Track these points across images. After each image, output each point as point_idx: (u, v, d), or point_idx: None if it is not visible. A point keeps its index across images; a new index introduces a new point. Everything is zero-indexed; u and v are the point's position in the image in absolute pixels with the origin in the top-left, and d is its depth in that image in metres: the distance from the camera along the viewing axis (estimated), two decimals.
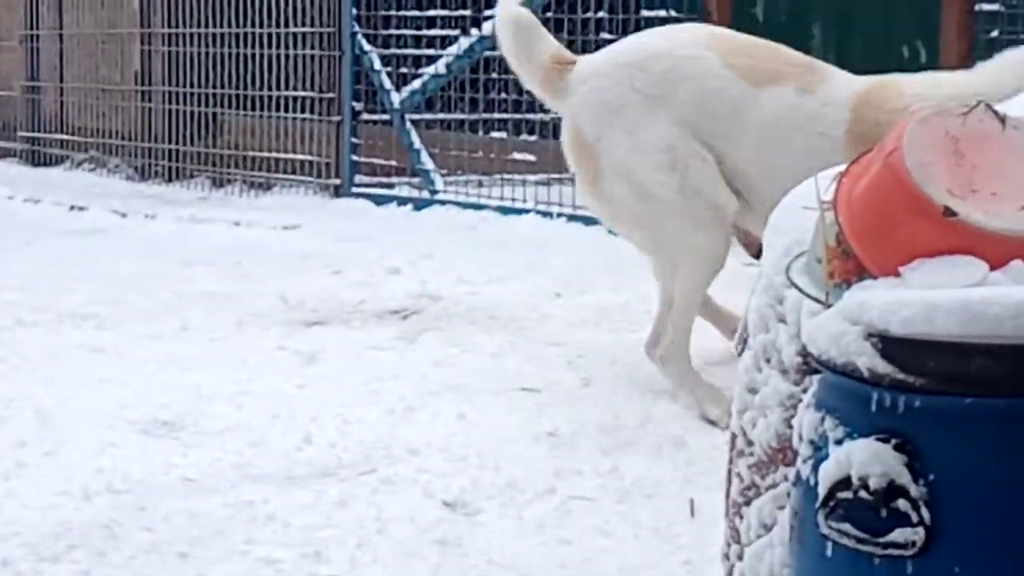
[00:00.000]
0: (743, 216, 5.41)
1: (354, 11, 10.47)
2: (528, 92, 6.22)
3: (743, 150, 5.30)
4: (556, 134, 8.07)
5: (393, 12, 10.51)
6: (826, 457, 2.22)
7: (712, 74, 5.32)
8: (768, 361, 2.80)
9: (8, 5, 13.96)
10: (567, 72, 5.52)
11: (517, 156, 9.84)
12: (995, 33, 9.85)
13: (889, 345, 2.15)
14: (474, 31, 10.10)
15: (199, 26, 11.60)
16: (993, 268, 2.23)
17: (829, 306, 2.33)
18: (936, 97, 4.92)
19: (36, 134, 13.30)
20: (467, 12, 10.21)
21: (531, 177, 9.61)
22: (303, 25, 10.75)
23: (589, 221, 8.60)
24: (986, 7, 9.45)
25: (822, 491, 2.20)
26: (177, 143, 11.73)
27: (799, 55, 5.65)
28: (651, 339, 5.45)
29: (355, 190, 10.34)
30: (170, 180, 11.66)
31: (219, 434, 4.80)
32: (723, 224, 5.33)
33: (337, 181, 10.44)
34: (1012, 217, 2.28)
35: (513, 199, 9.31)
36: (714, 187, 5.31)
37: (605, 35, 9.69)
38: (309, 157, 10.60)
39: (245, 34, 11.17)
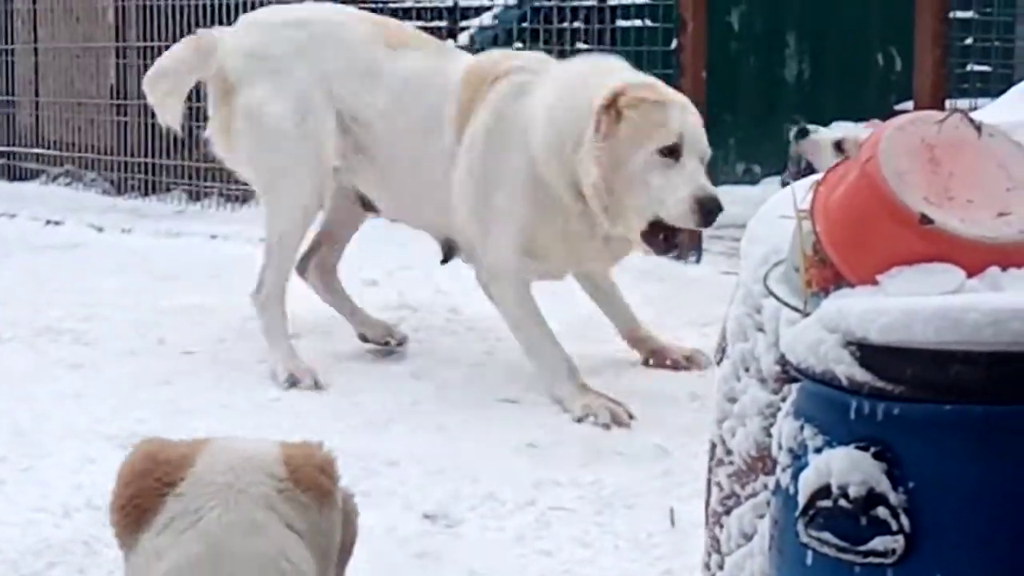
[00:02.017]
0: (362, 171, 5.96)
1: None
2: None
3: (376, 103, 5.86)
4: None
5: None
6: (805, 466, 2.22)
7: (356, 38, 5.98)
8: (747, 370, 2.80)
9: None
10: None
11: None
12: (969, 40, 9.90)
13: (867, 353, 2.15)
14: (450, 42, 10.10)
15: (175, 39, 11.56)
16: (970, 275, 2.23)
17: (807, 315, 2.34)
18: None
19: (11, 148, 13.26)
20: (443, 23, 10.21)
21: None
22: None
23: None
24: (960, 14, 9.50)
25: (802, 500, 2.20)
26: (153, 157, 11.69)
27: (425, 35, 6.38)
28: (256, 286, 5.97)
29: None
30: (146, 194, 11.62)
31: None
32: (318, 176, 5.88)
33: None
34: (988, 224, 2.28)
35: None
36: (326, 141, 5.86)
37: (581, 45, 9.71)
38: None
39: None
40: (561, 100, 5.44)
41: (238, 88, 6.04)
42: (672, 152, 5.24)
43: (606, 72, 5.52)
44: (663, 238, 5.30)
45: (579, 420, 5.14)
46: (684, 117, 5.34)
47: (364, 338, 6.15)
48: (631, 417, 5.12)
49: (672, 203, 5.21)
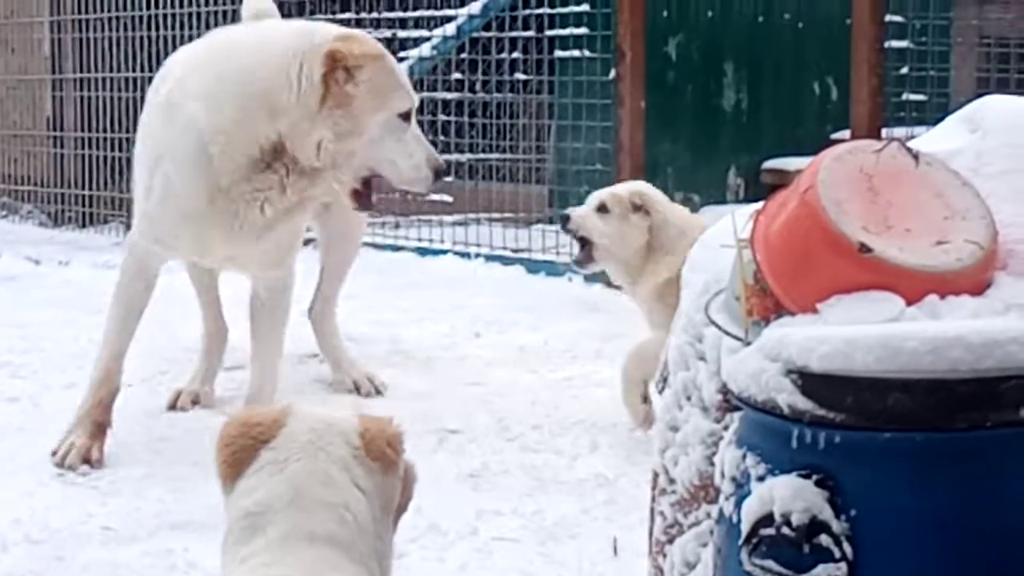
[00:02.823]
0: None
1: None
2: (444, 133, 6.30)
3: None
4: (472, 175, 8.11)
5: None
6: (748, 494, 2.22)
7: None
8: (689, 399, 2.81)
9: None
10: None
11: (434, 197, 9.83)
12: (905, 69, 9.98)
13: (808, 381, 2.16)
14: None
15: (111, 71, 11.53)
16: (909, 303, 2.25)
17: (748, 343, 2.35)
18: None
19: None
20: None
21: (448, 218, 9.62)
22: None
23: (507, 261, 8.62)
24: (895, 44, 9.58)
25: (745, 528, 2.21)
26: (90, 188, 11.64)
27: None
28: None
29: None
30: (84, 226, 11.56)
31: (138, 481, 4.76)
32: None
33: None
34: (926, 253, 2.30)
35: (431, 240, 9.31)
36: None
37: (520, 75, 9.74)
38: None
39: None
40: (238, 73, 5.02)
41: None
42: (407, 116, 5.07)
43: (274, 35, 5.15)
44: (368, 194, 5.11)
45: (54, 453, 5.00)
46: (404, 77, 5.19)
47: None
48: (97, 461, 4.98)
49: (407, 168, 5.06)
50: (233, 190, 5.02)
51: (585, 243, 5.43)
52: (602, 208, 5.43)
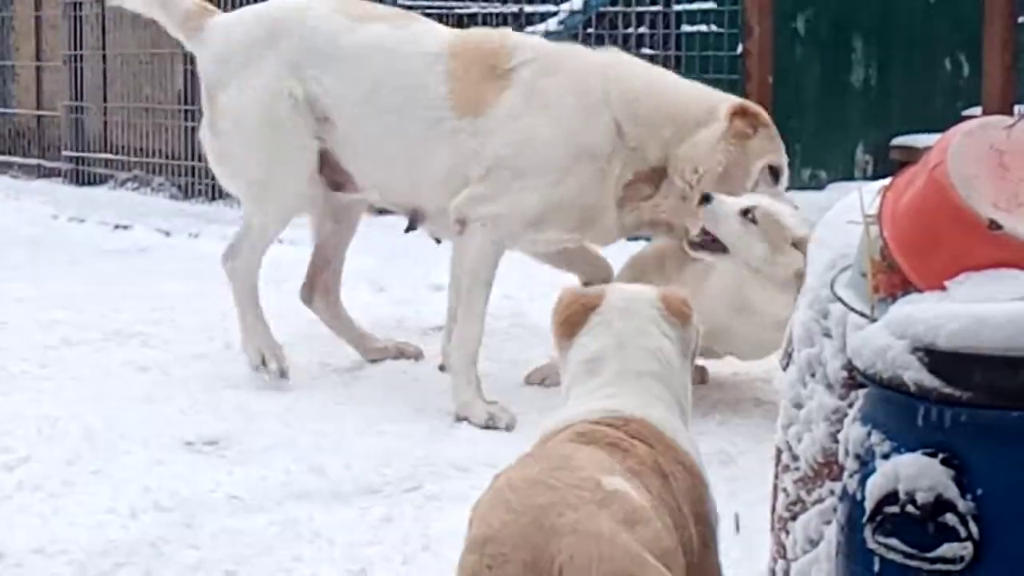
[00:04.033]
0: (337, 147, 5.93)
1: None
2: None
3: (342, 78, 5.90)
4: None
5: None
6: (873, 472, 2.21)
7: (315, 19, 6.01)
8: (813, 375, 2.79)
9: (52, 25, 14.05)
10: (207, 18, 6.23)
11: None
12: None
13: (935, 359, 2.14)
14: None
15: None
16: None
17: (874, 320, 2.33)
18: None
19: (80, 154, 13.37)
20: (508, 29, 10.21)
21: None
22: None
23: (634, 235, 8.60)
24: None
25: (869, 506, 2.19)
26: None
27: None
28: (230, 252, 6.16)
29: None
30: (213, 199, 11.69)
31: (265, 452, 4.82)
32: (301, 171, 5.94)
33: None
34: None
35: None
36: (302, 131, 5.91)
37: (646, 50, 9.71)
38: None
39: None
40: (662, 89, 5.81)
41: (214, 93, 6.12)
42: (777, 175, 5.72)
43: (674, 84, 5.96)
44: (713, 238, 5.42)
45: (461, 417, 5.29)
46: (783, 147, 5.81)
47: (375, 361, 6.13)
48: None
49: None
50: (623, 195, 5.73)
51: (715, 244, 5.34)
52: (745, 214, 5.29)
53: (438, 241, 6.29)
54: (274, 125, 5.92)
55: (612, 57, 5.98)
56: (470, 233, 5.64)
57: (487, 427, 5.21)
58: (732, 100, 5.84)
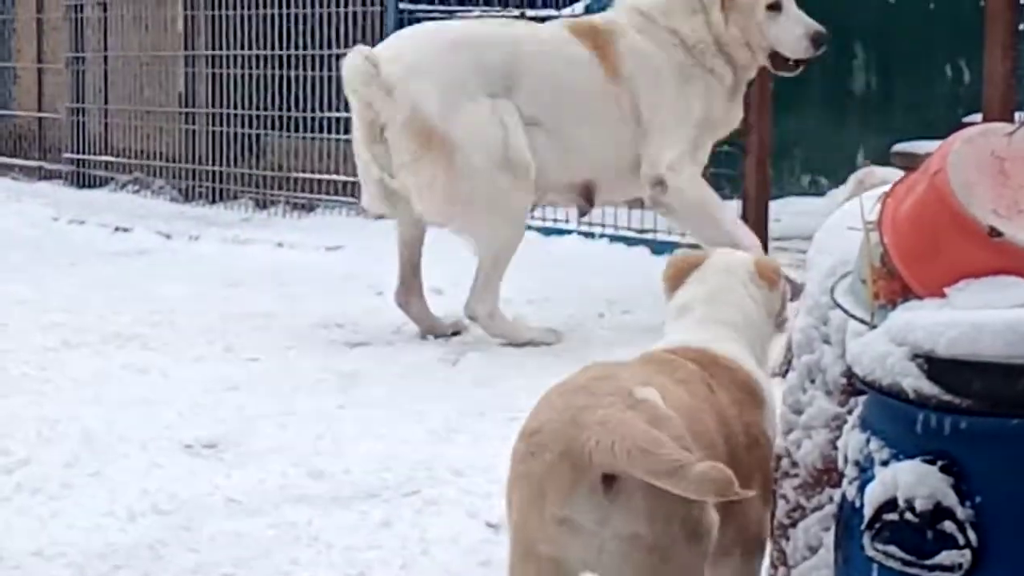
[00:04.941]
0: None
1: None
2: None
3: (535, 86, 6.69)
4: None
5: None
6: (872, 478, 2.21)
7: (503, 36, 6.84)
8: (813, 381, 2.79)
9: (54, 28, 14.06)
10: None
11: None
12: None
13: (935, 366, 2.14)
14: None
15: (242, 48, 11.65)
16: None
17: (874, 327, 2.33)
18: None
19: (81, 156, 13.39)
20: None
21: None
22: (345, 46, 10.77)
23: (631, 242, 8.61)
24: None
25: (868, 513, 2.19)
26: (220, 164, 11.78)
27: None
28: (473, 305, 6.46)
29: None
30: (214, 201, 11.71)
31: (263, 455, 4.81)
32: (528, 191, 6.61)
33: None
34: None
35: (555, 219, 9.31)
36: (524, 151, 6.57)
37: None
38: (352, 178, 10.58)
39: (288, 56, 11.21)
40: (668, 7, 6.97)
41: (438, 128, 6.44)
42: (775, 7, 6.91)
43: None
44: (789, 64, 7.00)
45: None
46: None
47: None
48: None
49: (792, 41, 6.91)
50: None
51: None
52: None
53: (582, 214, 7.36)
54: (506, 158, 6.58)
55: None
56: (675, 188, 6.78)
57: None
58: None
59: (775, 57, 7.02)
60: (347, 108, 6.70)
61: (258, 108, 11.57)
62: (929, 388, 2.15)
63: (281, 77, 11.34)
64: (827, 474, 2.72)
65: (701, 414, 2.94)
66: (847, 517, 2.32)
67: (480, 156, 6.39)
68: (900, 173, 5.72)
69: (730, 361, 3.18)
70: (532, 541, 2.80)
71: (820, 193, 10.29)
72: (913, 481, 2.14)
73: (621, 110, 6.83)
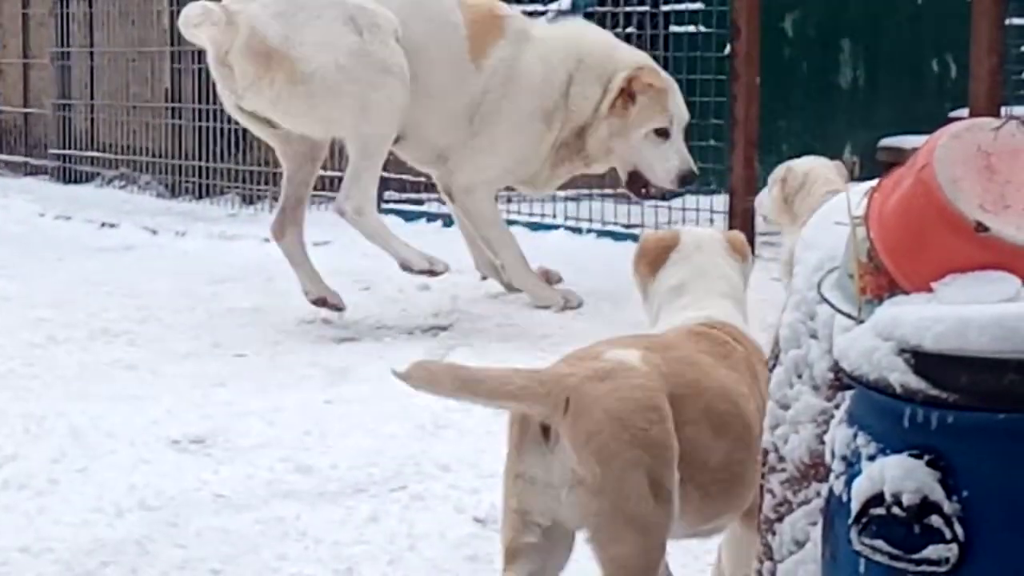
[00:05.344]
0: None
1: None
2: None
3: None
4: None
5: None
6: (859, 473, 2.21)
7: None
8: (800, 377, 2.79)
9: (39, 23, 14.03)
10: None
11: None
12: None
13: (922, 361, 2.15)
14: None
15: None
16: None
17: (861, 322, 2.33)
18: None
19: (67, 151, 13.36)
20: None
21: (560, 193, 9.62)
22: None
23: (619, 236, 8.62)
24: (1016, 21, 9.45)
25: (855, 507, 2.20)
26: (207, 160, 11.77)
27: None
28: (345, 195, 6.69)
29: (385, 206, 10.34)
30: (200, 197, 11.69)
31: (251, 450, 4.82)
32: (403, 84, 6.67)
33: None
34: None
35: (542, 214, 9.32)
36: (395, 49, 6.65)
37: None
38: (338, 173, 10.61)
39: None
40: (579, 59, 7.06)
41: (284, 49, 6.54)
42: (664, 133, 6.94)
43: (610, 44, 7.25)
44: (644, 190, 7.12)
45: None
46: (676, 101, 7.03)
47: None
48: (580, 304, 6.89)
49: (661, 171, 6.94)
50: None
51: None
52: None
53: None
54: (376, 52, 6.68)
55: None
56: (460, 204, 7.24)
57: (565, 309, 6.86)
58: (629, 67, 7.00)
59: (634, 175, 7.01)
60: None
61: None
62: (916, 383, 2.15)
63: None
64: (814, 469, 2.72)
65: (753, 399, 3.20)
66: (834, 512, 2.33)
67: (326, 57, 6.50)
68: (824, 163, 5.82)
69: (751, 339, 3.39)
70: (507, 499, 3.03)
71: None
72: (900, 476, 2.14)
73: (461, 94, 6.93)
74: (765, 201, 5.82)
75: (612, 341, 3.23)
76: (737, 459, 3.15)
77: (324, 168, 10.60)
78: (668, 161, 6.90)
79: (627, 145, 6.94)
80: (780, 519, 2.82)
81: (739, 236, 3.65)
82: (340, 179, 6.90)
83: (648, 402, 2.97)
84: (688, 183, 7.06)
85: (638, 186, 7.06)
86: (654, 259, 3.54)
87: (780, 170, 5.74)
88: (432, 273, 6.58)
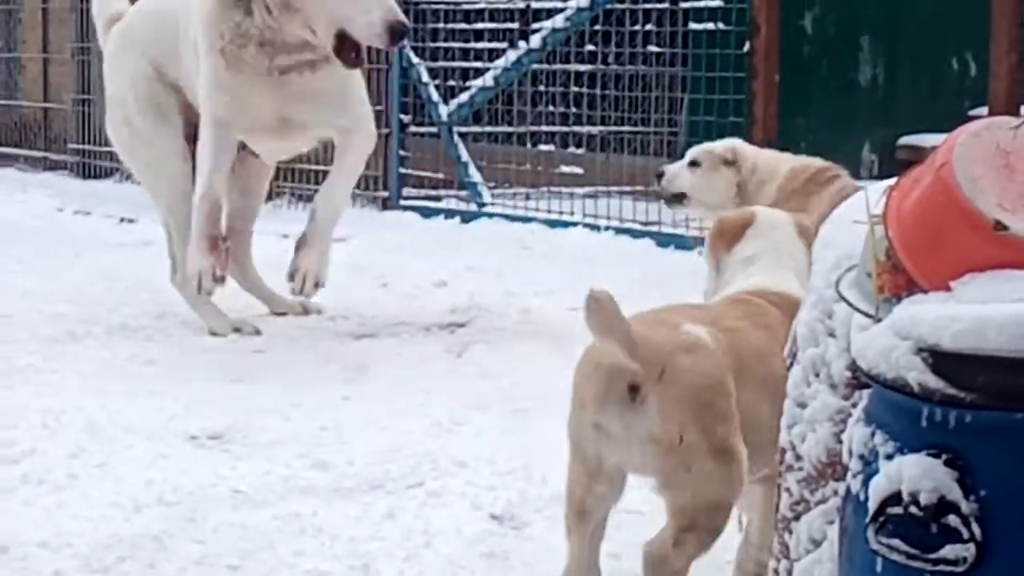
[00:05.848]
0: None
1: None
2: (577, 105, 6.45)
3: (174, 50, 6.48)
4: (603, 147, 8.11)
5: (441, 25, 10.54)
6: (876, 472, 2.21)
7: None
8: (817, 375, 2.79)
9: (59, 18, 14.05)
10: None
11: (564, 169, 9.85)
12: None
13: (939, 360, 2.14)
14: (522, 44, 10.11)
15: None
16: None
17: (879, 320, 2.33)
18: None
19: (86, 147, 13.38)
20: (515, 25, 10.23)
21: (578, 190, 9.63)
22: None
23: (636, 234, 8.62)
24: None
25: (872, 506, 2.19)
26: None
27: None
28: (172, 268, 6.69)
29: (403, 203, 10.37)
30: None
31: (268, 446, 4.82)
32: (180, 151, 6.59)
33: (385, 194, 10.47)
34: None
35: (561, 212, 9.32)
36: (171, 116, 6.58)
37: (653, 48, 9.70)
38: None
39: None
40: None
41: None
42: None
43: None
44: (353, 53, 5.87)
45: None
46: None
47: (280, 314, 6.80)
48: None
49: (362, 23, 5.76)
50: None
51: (680, 198, 6.30)
52: (694, 163, 6.17)
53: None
54: (151, 123, 6.76)
55: None
56: None
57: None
58: None
59: (341, 37, 5.84)
60: None
61: None
62: (934, 382, 2.15)
63: None
64: (831, 468, 2.72)
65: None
66: (851, 511, 2.32)
67: (117, 110, 6.68)
68: (766, 151, 5.95)
69: (796, 299, 3.45)
70: (576, 441, 3.32)
71: None
72: (917, 475, 2.14)
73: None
74: (695, 181, 6.09)
75: (673, 309, 3.58)
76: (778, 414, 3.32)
77: (330, 163, 10.65)
78: (369, 13, 5.73)
79: (319, 3, 5.83)
80: (797, 518, 2.82)
81: (805, 220, 3.92)
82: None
83: (720, 377, 3.27)
84: (400, 37, 5.95)
85: (349, 51, 5.87)
86: (731, 235, 3.82)
87: (716, 150, 6.03)
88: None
